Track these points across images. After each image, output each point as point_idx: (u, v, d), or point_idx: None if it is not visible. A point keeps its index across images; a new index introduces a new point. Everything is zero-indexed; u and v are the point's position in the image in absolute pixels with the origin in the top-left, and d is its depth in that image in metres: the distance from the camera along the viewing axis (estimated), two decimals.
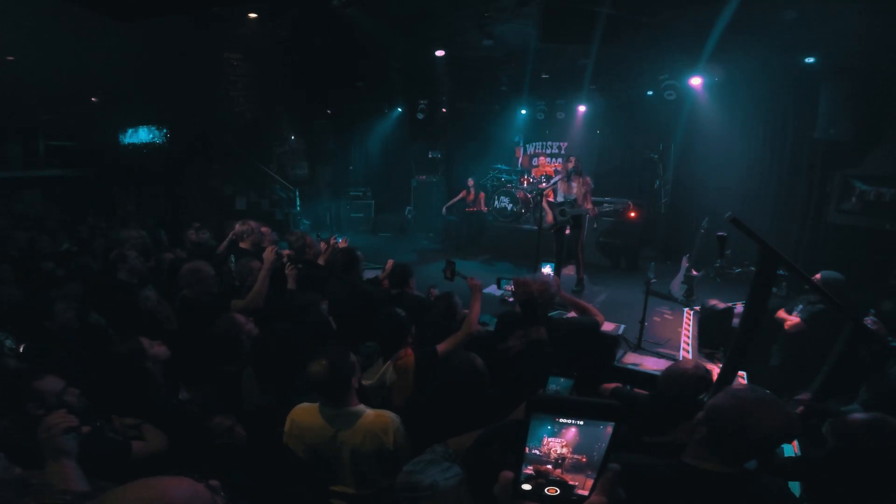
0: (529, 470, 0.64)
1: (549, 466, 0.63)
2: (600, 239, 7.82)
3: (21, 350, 2.43)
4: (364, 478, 1.92)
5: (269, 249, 3.50)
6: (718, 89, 7.29)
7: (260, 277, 3.30)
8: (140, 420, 2.02)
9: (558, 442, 0.62)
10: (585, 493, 0.64)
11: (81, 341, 2.85)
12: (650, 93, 7.87)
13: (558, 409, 0.62)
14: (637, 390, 2.95)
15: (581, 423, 0.62)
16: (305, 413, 2.00)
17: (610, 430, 0.62)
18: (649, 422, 2.19)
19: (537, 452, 0.63)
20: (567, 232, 6.16)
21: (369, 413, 1.96)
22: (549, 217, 6.10)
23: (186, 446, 1.98)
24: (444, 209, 9.12)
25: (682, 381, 2.34)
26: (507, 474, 0.66)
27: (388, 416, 1.95)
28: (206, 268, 3.32)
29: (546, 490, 0.64)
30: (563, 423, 0.62)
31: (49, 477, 1.44)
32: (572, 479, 0.64)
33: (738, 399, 1.41)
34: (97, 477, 1.53)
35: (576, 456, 0.63)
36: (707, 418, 1.44)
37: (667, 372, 2.46)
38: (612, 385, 2.84)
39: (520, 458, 0.64)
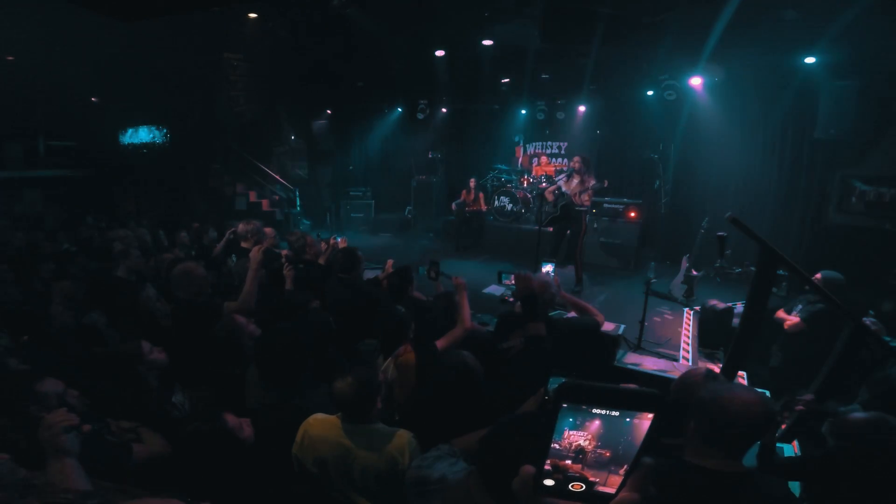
0: (550, 465, 0.60)
1: (569, 462, 0.60)
2: (600, 239, 7.83)
3: (23, 340, 2.42)
4: (371, 494, 1.91)
5: (255, 249, 3.43)
6: (718, 89, 7.29)
7: (248, 279, 3.22)
8: (137, 423, 2.01)
9: (581, 435, 0.58)
10: (608, 489, 0.61)
11: (78, 342, 2.85)
12: (650, 93, 7.87)
13: (592, 397, 0.57)
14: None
15: (612, 413, 0.57)
16: (321, 425, 1.96)
17: (645, 421, 0.57)
18: (670, 423, 2.17)
19: (557, 446, 0.59)
20: (568, 232, 6.18)
21: (388, 432, 1.94)
22: (549, 195, 6.18)
23: (180, 451, 1.96)
24: (453, 205, 9.11)
25: (692, 392, 2.31)
26: (529, 469, 0.62)
27: (406, 436, 1.92)
28: (196, 269, 3.23)
29: (570, 486, 0.61)
30: (588, 414, 0.57)
31: (50, 476, 1.44)
32: (594, 476, 0.60)
33: (711, 392, 1.53)
34: (100, 479, 1.53)
35: (599, 451, 0.59)
36: (692, 415, 1.53)
37: (679, 379, 2.43)
38: (630, 386, 2.82)
39: (544, 452, 0.60)
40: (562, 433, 0.58)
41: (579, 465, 0.60)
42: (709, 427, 1.46)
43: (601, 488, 0.61)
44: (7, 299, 3.10)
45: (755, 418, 1.45)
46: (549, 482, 0.61)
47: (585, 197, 5.92)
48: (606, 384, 0.58)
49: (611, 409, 0.57)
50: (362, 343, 2.66)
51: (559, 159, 9.81)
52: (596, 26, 6.47)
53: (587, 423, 0.58)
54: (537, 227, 6.20)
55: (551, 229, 6.43)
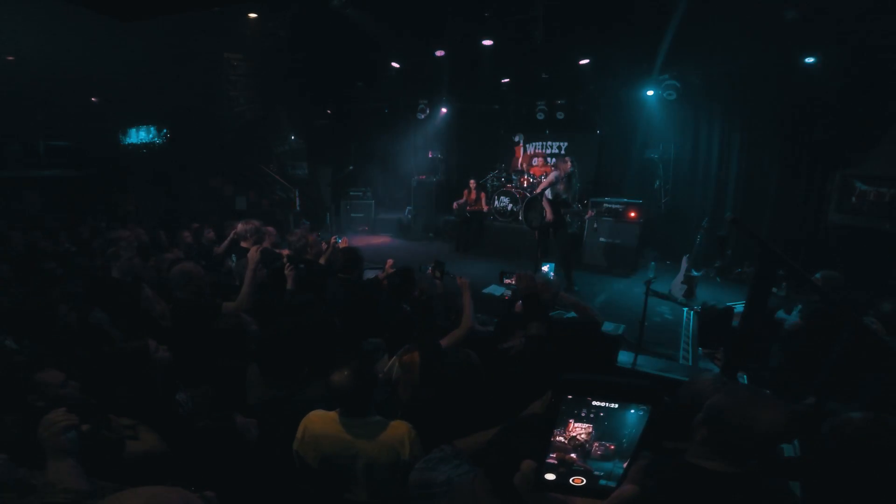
0: (553, 459, 0.60)
1: (574, 455, 0.59)
2: (600, 239, 7.82)
3: (24, 342, 2.42)
4: (376, 488, 1.91)
5: (252, 249, 3.45)
6: (718, 89, 7.29)
7: (246, 279, 3.23)
8: (136, 421, 2.01)
9: (584, 428, 0.58)
10: (610, 482, 0.60)
11: (82, 341, 2.85)
12: (650, 93, 7.87)
13: (590, 390, 0.57)
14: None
15: (613, 406, 0.57)
16: (321, 421, 1.97)
17: (643, 414, 0.57)
18: (673, 427, 2.17)
19: (562, 440, 0.58)
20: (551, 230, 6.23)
21: (384, 422, 1.94)
22: (549, 214, 6.11)
23: (185, 448, 1.97)
24: (454, 205, 9.13)
25: (700, 397, 2.30)
26: (529, 463, 0.61)
27: (405, 427, 1.93)
28: (195, 268, 3.25)
29: (571, 480, 0.60)
30: (592, 408, 0.57)
31: (50, 475, 1.44)
32: (598, 469, 0.60)
33: (734, 398, 1.43)
34: (91, 475, 1.53)
35: (604, 443, 0.58)
36: (706, 419, 1.45)
37: (686, 385, 2.42)
38: (628, 379, 2.82)
39: (545, 446, 0.59)
40: (566, 426, 0.58)
41: (583, 459, 0.59)
42: (725, 438, 1.39)
43: (603, 482, 0.60)
44: (8, 300, 3.10)
45: (777, 436, 1.39)
46: (550, 476, 0.61)
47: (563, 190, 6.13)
48: (605, 377, 0.58)
49: (610, 402, 0.57)
50: (366, 343, 2.67)
51: (555, 160, 9.81)
52: (596, 26, 6.47)
53: (591, 416, 0.57)
54: (532, 228, 6.23)
55: (537, 235, 6.47)
